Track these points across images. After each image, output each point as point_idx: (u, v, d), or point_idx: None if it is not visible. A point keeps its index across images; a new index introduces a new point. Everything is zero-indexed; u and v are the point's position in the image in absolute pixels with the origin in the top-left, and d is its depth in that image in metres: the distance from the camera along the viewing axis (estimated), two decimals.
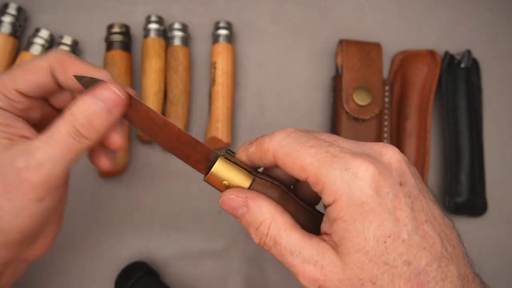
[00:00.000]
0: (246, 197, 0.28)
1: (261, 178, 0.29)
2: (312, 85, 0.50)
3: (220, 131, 0.44)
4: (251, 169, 0.29)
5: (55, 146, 0.27)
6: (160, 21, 0.47)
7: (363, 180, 0.24)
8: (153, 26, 0.46)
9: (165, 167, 0.46)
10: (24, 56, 0.44)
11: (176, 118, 0.45)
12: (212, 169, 0.29)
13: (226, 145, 0.45)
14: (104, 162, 0.33)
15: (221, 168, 0.29)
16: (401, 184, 0.25)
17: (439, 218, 0.26)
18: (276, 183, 0.29)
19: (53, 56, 0.29)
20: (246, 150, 0.29)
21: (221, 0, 0.51)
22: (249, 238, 0.44)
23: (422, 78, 0.48)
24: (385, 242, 0.24)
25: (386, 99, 0.47)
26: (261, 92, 0.49)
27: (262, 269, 0.44)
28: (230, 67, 0.46)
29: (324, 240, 0.26)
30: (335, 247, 0.25)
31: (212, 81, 0.46)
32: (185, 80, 0.46)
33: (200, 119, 0.47)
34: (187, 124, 0.46)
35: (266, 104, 0.48)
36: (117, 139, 0.31)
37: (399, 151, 0.27)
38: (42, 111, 0.32)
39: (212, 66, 0.46)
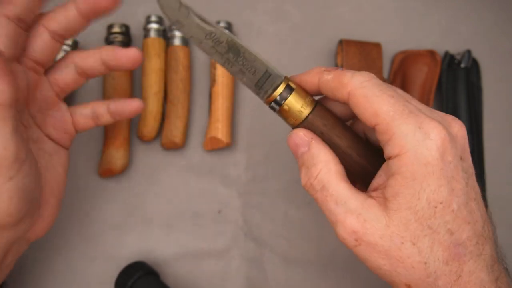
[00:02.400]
0: (312, 138, 0.29)
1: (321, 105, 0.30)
2: None
3: (220, 131, 0.44)
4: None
5: None
6: (160, 21, 0.47)
7: (433, 142, 0.25)
8: (153, 26, 0.46)
9: (165, 167, 0.46)
10: None
11: (176, 118, 0.45)
12: (292, 94, 0.29)
13: (226, 145, 0.45)
14: (137, 103, 0.36)
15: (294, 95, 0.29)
16: (461, 158, 0.26)
17: (482, 202, 0.27)
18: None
19: None
20: (320, 74, 0.29)
21: (221, 0, 0.51)
22: (249, 238, 0.45)
23: (422, 78, 0.48)
24: (435, 207, 0.25)
25: None
26: None
27: (262, 269, 0.44)
28: None
29: (372, 197, 0.27)
30: (384, 203, 0.26)
31: (212, 81, 0.46)
32: (185, 80, 0.46)
33: (200, 119, 0.47)
34: (187, 124, 0.46)
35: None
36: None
37: (465, 128, 0.27)
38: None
39: (212, 66, 0.46)
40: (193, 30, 0.29)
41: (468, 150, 0.27)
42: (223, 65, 0.30)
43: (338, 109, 0.31)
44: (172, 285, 0.42)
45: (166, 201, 0.45)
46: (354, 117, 0.31)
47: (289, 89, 0.29)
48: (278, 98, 0.29)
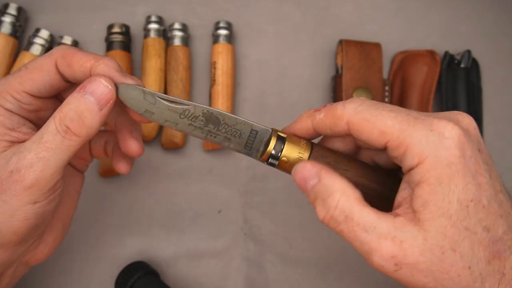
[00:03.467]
0: (321, 168, 0.26)
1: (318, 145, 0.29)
2: (312, 85, 0.50)
3: None
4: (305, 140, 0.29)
5: (44, 145, 0.26)
6: (160, 21, 0.47)
7: (450, 140, 0.24)
8: (153, 26, 0.46)
9: (165, 167, 0.46)
10: (24, 56, 0.44)
11: None
12: (285, 148, 0.28)
13: None
14: (123, 167, 0.34)
15: (288, 145, 0.28)
16: (479, 151, 0.25)
17: (507, 192, 0.26)
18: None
19: (56, 52, 0.29)
20: (312, 117, 0.29)
21: (221, 0, 0.51)
22: (249, 238, 0.45)
23: (422, 78, 0.48)
24: (467, 206, 0.24)
25: (386, 99, 0.47)
26: (261, 92, 0.49)
27: (262, 269, 0.44)
28: (230, 67, 0.46)
29: (398, 215, 0.25)
30: (414, 217, 0.24)
31: (212, 81, 0.46)
32: (185, 80, 0.46)
33: None
34: None
35: (266, 104, 0.48)
36: (135, 146, 0.32)
37: (474, 120, 0.26)
38: (54, 109, 0.31)
39: (212, 66, 0.46)
40: (166, 114, 0.28)
41: (482, 141, 0.26)
42: (206, 138, 0.28)
43: (338, 146, 0.30)
44: (172, 285, 0.42)
45: (166, 201, 0.45)
46: (355, 150, 0.30)
47: (281, 140, 0.28)
48: (273, 152, 0.28)
